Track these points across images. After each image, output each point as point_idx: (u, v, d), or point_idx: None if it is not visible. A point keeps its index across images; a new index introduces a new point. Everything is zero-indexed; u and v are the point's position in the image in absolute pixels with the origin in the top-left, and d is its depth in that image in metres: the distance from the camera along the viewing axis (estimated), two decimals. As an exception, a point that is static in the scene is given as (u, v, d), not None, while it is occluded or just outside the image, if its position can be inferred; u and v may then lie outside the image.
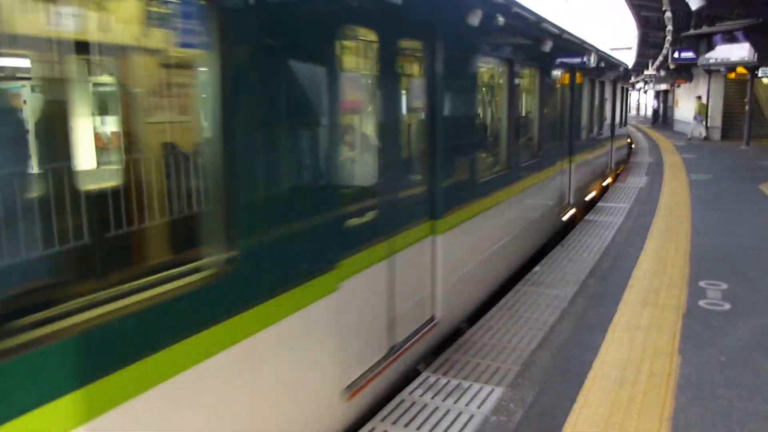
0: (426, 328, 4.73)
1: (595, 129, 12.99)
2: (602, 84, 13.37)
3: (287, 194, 3.23)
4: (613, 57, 15.16)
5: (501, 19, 5.94)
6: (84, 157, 4.58)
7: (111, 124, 5.17)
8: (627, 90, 19.40)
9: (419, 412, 4.05)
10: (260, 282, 3.02)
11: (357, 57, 4.19)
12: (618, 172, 16.95)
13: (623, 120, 18.37)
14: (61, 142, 3.69)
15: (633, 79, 50.07)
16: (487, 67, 6.66)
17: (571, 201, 10.49)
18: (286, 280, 3.19)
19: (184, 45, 4.04)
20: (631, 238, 8.82)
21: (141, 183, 4.50)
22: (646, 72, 42.10)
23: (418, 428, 3.87)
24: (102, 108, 5.19)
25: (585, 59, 10.82)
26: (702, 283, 6.66)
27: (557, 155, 9.41)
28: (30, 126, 4.04)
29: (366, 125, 4.42)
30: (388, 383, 4.33)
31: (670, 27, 22.84)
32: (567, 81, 9.84)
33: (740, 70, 23.65)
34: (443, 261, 4.91)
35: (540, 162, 8.29)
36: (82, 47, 3.84)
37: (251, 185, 2.94)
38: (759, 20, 17.73)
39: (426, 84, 4.75)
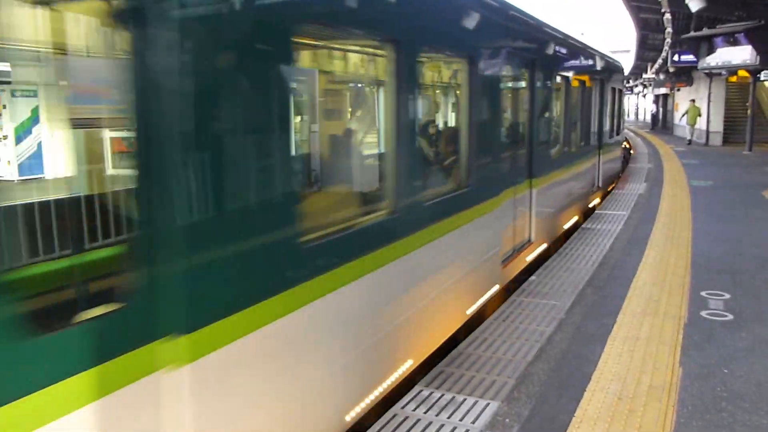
0: (525, 246, 7.72)
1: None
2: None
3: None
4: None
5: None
6: None
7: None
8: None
9: (412, 427, 3.94)
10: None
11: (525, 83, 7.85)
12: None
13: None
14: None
15: (632, 82, 50.00)
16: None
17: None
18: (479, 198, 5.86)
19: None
20: (630, 247, 8.71)
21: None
22: (644, 75, 42.08)
23: (410, 445, 3.77)
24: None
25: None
26: (704, 293, 6.55)
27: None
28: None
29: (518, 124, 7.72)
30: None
31: (669, 29, 22.70)
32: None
33: (742, 73, 23.53)
34: (536, 205, 7.95)
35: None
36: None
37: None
38: (761, 22, 17.57)
39: (528, 96, 7.79)
